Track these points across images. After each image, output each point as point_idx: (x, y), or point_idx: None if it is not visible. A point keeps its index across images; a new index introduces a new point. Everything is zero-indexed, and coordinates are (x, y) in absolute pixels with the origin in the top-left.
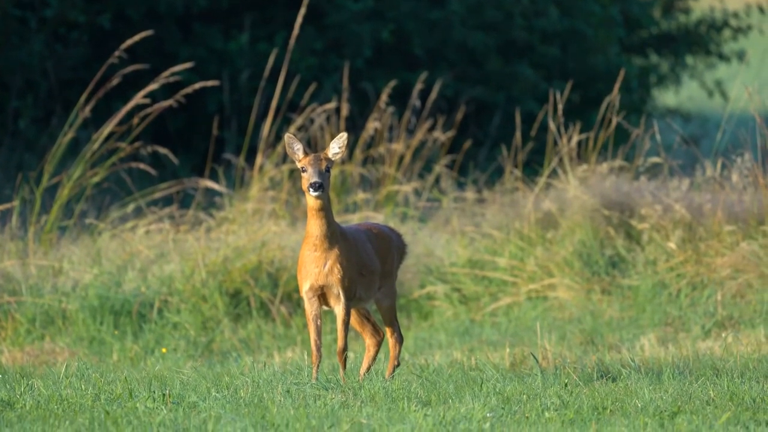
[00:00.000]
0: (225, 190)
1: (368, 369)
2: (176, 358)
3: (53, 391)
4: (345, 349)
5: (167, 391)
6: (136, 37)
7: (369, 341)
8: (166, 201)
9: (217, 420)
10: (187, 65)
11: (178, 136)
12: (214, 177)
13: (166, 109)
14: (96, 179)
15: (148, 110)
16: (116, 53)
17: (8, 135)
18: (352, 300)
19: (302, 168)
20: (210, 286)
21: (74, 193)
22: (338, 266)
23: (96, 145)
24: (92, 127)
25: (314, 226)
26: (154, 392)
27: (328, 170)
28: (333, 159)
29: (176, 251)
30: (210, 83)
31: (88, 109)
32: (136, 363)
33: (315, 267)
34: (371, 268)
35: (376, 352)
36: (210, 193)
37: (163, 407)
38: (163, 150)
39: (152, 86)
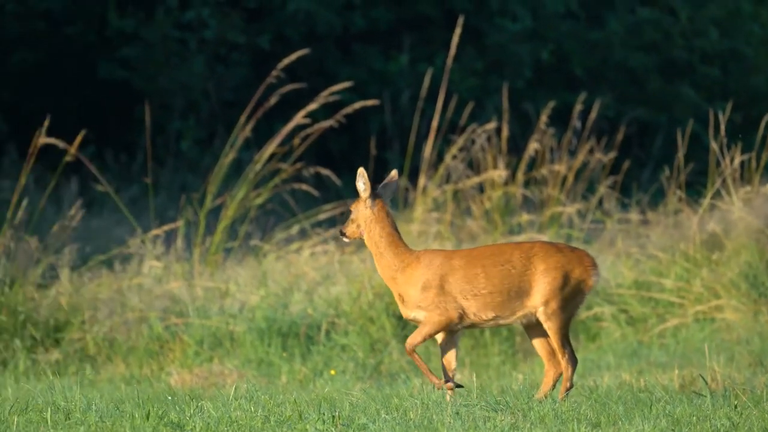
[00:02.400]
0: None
1: (545, 395)
2: (345, 380)
3: (223, 413)
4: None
5: (337, 413)
6: (294, 56)
7: (548, 367)
8: (330, 222)
9: None
10: (347, 85)
11: (340, 157)
12: None
13: (328, 130)
14: (259, 200)
15: (309, 130)
16: (274, 73)
17: (171, 156)
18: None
19: None
20: (377, 307)
21: (238, 215)
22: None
23: (258, 166)
24: (254, 147)
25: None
26: (324, 414)
27: (351, 212)
28: (364, 197)
29: (342, 273)
30: (370, 103)
31: (248, 129)
32: (305, 385)
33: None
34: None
35: (553, 381)
36: None
37: (333, 429)
38: (325, 171)
39: (312, 106)
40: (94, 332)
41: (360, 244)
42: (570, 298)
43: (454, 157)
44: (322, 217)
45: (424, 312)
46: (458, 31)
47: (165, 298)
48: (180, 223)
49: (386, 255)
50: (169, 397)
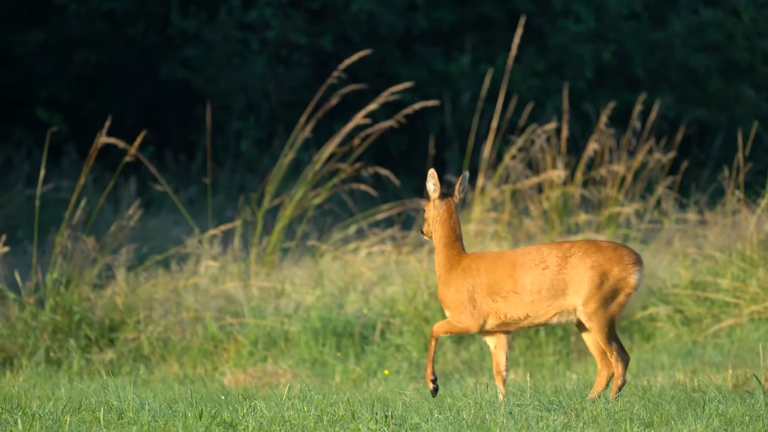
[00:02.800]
0: None
1: (598, 394)
2: (399, 380)
3: (276, 413)
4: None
5: (390, 413)
6: (355, 57)
7: (600, 366)
8: (388, 222)
9: None
10: (407, 85)
11: (399, 157)
12: None
13: (387, 130)
14: (318, 201)
15: (369, 131)
16: (335, 73)
17: (230, 156)
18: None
19: None
20: (432, 308)
21: (296, 215)
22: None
23: (317, 166)
24: (313, 148)
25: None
26: (377, 414)
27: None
28: (433, 198)
29: (398, 273)
30: (430, 103)
31: (308, 129)
32: (359, 384)
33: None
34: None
35: (606, 380)
36: None
37: (385, 429)
38: (384, 171)
39: (372, 106)
40: (148, 332)
41: (416, 245)
42: (610, 296)
43: (513, 157)
44: (379, 217)
45: (450, 311)
46: (520, 31)
47: (220, 298)
48: (237, 223)
49: (440, 254)
50: (222, 397)
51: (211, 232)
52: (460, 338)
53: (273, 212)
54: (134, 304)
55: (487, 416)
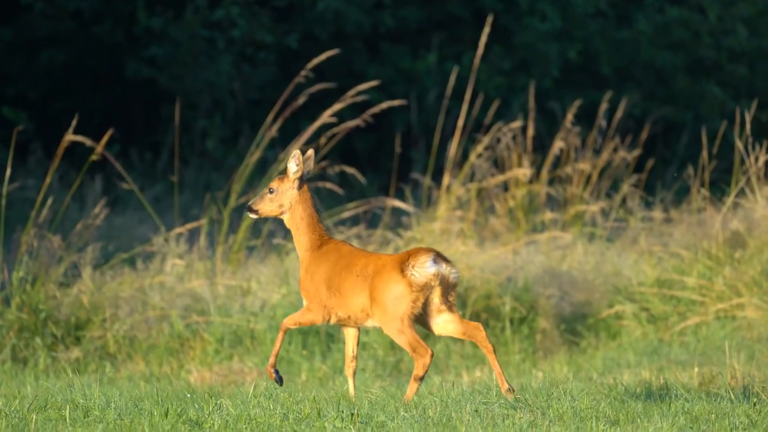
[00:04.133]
0: (412, 210)
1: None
2: (364, 378)
3: (242, 411)
4: (283, 327)
5: (356, 411)
6: (323, 56)
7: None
8: (354, 220)
9: None
10: (374, 84)
11: (365, 156)
12: (400, 196)
13: (354, 129)
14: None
15: (335, 130)
16: (303, 72)
17: (196, 155)
18: (311, 307)
19: None
20: None
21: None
22: (300, 278)
23: (282, 165)
24: (279, 146)
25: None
26: (343, 412)
27: (271, 192)
28: (291, 179)
29: None
30: (397, 103)
31: (275, 128)
32: (325, 383)
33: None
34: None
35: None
36: (397, 212)
37: (351, 427)
38: (350, 170)
39: (339, 105)
40: (114, 330)
41: (382, 243)
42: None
43: (480, 155)
44: (345, 215)
45: (305, 300)
46: (487, 30)
47: (186, 296)
48: (203, 222)
49: (303, 237)
50: (189, 395)
51: (177, 230)
52: (426, 336)
53: (239, 210)
54: (100, 302)
55: (453, 414)
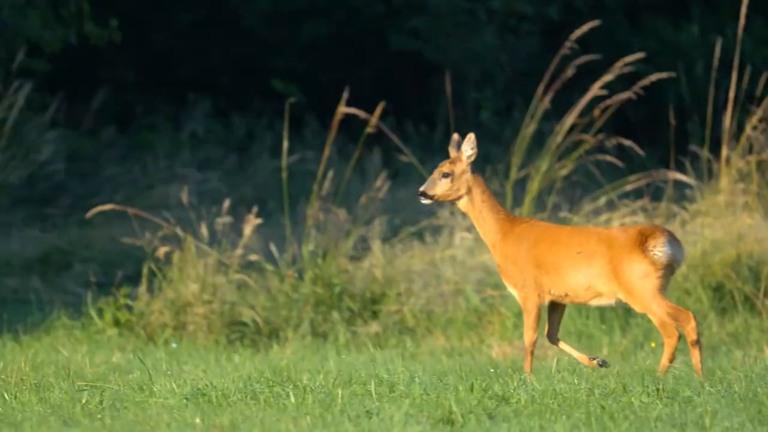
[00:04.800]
0: (694, 183)
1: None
2: None
3: (547, 386)
4: (531, 345)
5: (661, 386)
6: (585, 27)
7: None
8: (637, 193)
9: (714, 415)
10: (640, 56)
11: (641, 128)
12: (680, 168)
13: (625, 101)
14: (564, 172)
15: (608, 102)
16: (567, 44)
17: (471, 127)
18: (525, 292)
19: None
20: (692, 279)
21: (544, 186)
22: (498, 265)
23: (559, 138)
24: (554, 118)
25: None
26: (648, 387)
27: (446, 176)
28: (465, 161)
29: None
30: (665, 75)
31: (547, 100)
32: (626, 357)
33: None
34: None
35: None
36: (679, 185)
37: (658, 402)
38: (627, 142)
39: (607, 77)
40: (410, 304)
41: (668, 216)
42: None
43: (755, 128)
44: (628, 188)
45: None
46: (746, 1)
47: (479, 270)
48: None
49: (490, 219)
50: (492, 370)
51: None
52: (724, 310)
53: (520, 183)
54: (393, 276)
55: (758, 389)
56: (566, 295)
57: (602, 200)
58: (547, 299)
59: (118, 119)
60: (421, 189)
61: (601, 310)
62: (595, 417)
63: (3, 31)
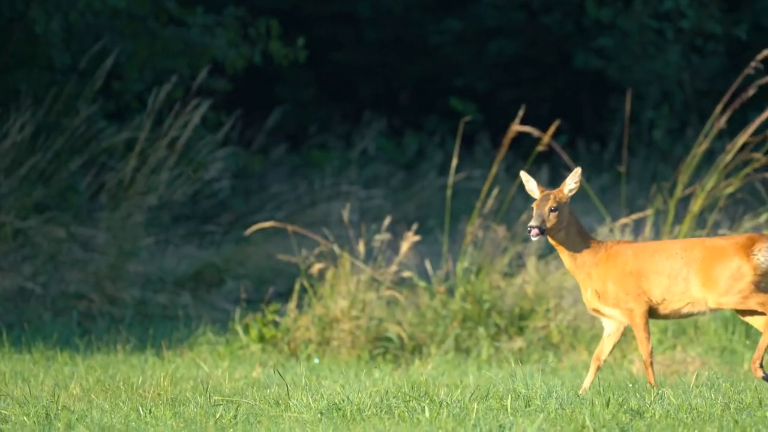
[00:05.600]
0: None
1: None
2: None
3: (683, 401)
4: (648, 357)
5: None
6: None
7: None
8: None
9: None
10: None
11: None
12: None
13: None
14: (730, 190)
15: None
16: (752, 64)
17: (643, 145)
18: (629, 306)
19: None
20: None
21: (707, 204)
22: (594, 292)
23: (730, 156)
24: (726, 137)
25: (562, 259)
26: None
27: (554, 210)
28: (567, 194)
29: None
30: None
31: (724, 119)
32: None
33: (583, 293)
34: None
35: None
36: None
37: None
38: None
39: None
40: (558, 320)
41: None
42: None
43: None
44: None
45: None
46: None
47: None
48: (649, 212)
49: (583, 248)
50: (630, 385)
51: (623, 220)
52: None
53: (684, 201)
54: (544, 292)
55: None
56: (663, 300)
57: (763, 218)
58: (647, 306)
59: (291, 138)
60: (534, 224)
61: (747, 326)
62: (726, 430)
63: (189, 50)
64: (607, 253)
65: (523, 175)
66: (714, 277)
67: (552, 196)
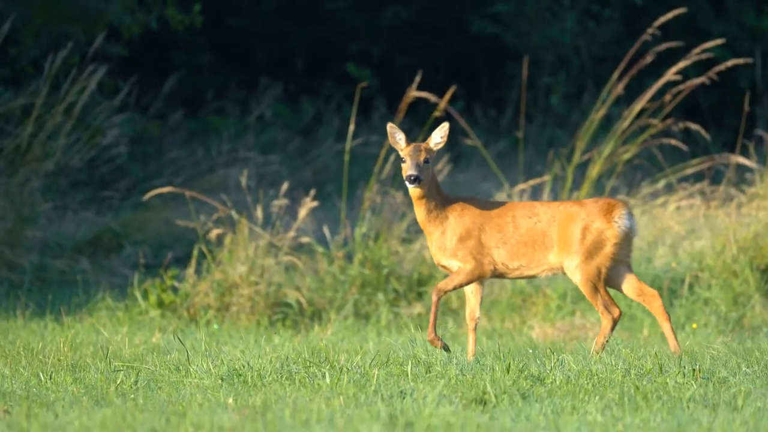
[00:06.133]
0: (756, 166)
1: (601, 347)
2: (706, 334)
3: (583, 366)
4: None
5: (698, 367)
6: (670, 15)
7: (602, 317)
8: (697, 177)
9: (747, 395)
10: (719, 42)
11: (709, 112)
12: (745, 153)
13: (698, 86)
14: (627, 156)
15: (680, 87)
16: (650, 30)
17: (540, 111)
18: (476, 269)
19: (402, 159)
20: (741, 261)
21: (605, 170)
22: (443, 244)
23: (627, 122)
24: (623, 103)
25: (417, 213)
26: (684, 367)
27: (427, 161)
28: (434, 149)
29: (707, 227)
30: (743, 61)
31: (621, 86)
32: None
33: (431, 247)
34: (511, 240)
35: (609, 329)
36: (741, 168)
37: (693, 382)
38: (694, 126)
39: (684, 63)
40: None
41: (725, 199)
42: (593, 250)
43: None
44: (689, 171)
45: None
46: None
47: None
48: (547, 178)
49: (437, 198)
50: (530, 351)
51: (521, 186)
52: None
53: (582, 167)
54: None
55: None
56: (517, 268)
57: (661, 183)
58: (492, 272)
59: (187, 104)
60: (413, 173)
61: None
62: (628, 397)
63: (84, 15)
64: (453, 204)
65: (391, 127)
66: (577, 245)
67: (423, 148)
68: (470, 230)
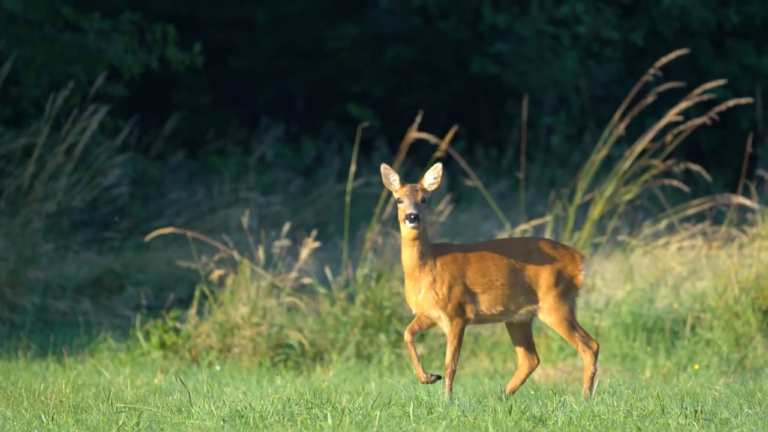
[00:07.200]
0: (758, 207)
1: (514, 389)
2: (708, 375)
3: (585, 408)
4: (451, 366)
5: (699, 408)
6: (672, 56)
7: (521, 362)
8: (699, 217)
9: None
10: (721, 82)
11: (711, 153)
12: (746, 193)
13: (699, 126)
14: (629, 196)
15: (681, 127)
16: (651, 71)
17: (541, 151)
18: (460, 318)
19: (398, 199)
20: (743, 302)
21: (607, 210)
22: (432, 293)
23: (628, 163)
24: (625, 144)
25: (406, 257)
26: (686, 409)
27: (424, 201)
28: (429, 189)
29: (709, 267)
30: (744, 101)
31: (622, 126)
32: (669, 379)
33: (413, 295)
34: (496, 283)
35: (526, 375)
36: (743, 209)
37: (694, 423)
38: (695, 167)
39: (685, 104)
40: None
41: (727, 240)
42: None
43: None
44: (690, 212)
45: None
46: None
47: None
48: (549, 218)
49: (425, 244)
50: (532, 392)
51: (522, 226)
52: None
53: (584, 207)
54: None
55: None
56: (499, 312)
57: (663, 224)
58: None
59: (188, 144)
60: (413, 212)
61: (648, 333)
62: None
63: (85, 56)
64: (438, 252)
65: (384, 168)
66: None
67: (419, 188)
68: (456, 277)
